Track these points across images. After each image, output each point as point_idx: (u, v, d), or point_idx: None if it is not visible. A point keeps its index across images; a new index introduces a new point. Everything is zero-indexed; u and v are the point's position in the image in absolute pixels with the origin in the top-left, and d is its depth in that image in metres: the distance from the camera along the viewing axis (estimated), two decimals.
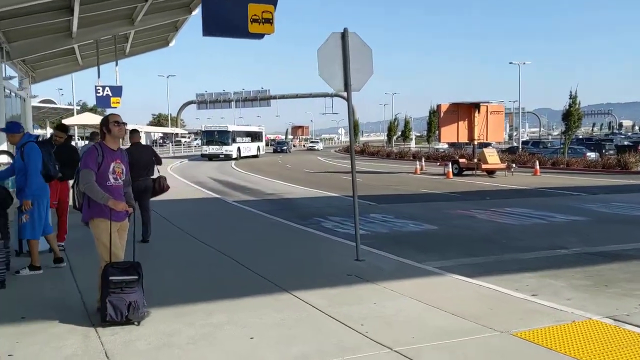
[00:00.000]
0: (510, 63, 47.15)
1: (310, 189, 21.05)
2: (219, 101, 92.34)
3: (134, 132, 9.42)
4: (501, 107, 28.81)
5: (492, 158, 26.91)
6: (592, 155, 38.30)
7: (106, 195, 5.13)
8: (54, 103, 67.98)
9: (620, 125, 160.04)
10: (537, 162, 28.67)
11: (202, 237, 9.96)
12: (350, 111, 8.12)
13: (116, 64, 18.16)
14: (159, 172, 9.90)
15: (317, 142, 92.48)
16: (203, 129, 50.02)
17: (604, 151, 41.88)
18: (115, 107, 18.10)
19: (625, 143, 50.62)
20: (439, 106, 27.88)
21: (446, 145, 68.93)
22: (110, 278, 5.00)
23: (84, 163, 5.25)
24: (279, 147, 71.27)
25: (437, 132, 33.62)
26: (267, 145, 74.15)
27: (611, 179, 25.04)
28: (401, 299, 6.01)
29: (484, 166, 26.64)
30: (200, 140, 53.28)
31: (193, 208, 14.73)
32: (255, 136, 56.10)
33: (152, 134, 78.94)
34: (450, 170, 26.43)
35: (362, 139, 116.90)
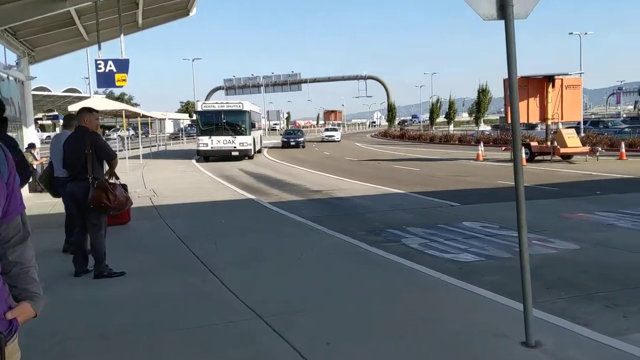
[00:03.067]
0: (570, 34, 42.22)
1: (363, 182, 17.27)
2: (247, 86, 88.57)
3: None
4: (579, 79, 24.48)
5: (572, 140, 22.76)
6: None
7: None
8: (79, 92, 65.43)
9: None
10: (623, 145, 24.28)
11: (242, 292, 6.27)
12: (513, 54, 4.29)
13: (120, 31, 14.56)
14: (112, 177, 6.43)
15: (335, 129, 61.26)
16: (200, 109, 29.69)
17: None
18: (121, 86, 14.54)
19: None
20: (505, 81, 23.55)
21: (489, 128, 64.57)
22: None
23: None
24: (290, 139, 44.50)
25: (495, 112, 29.27)
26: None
27: None
28: None
29: (562, 150, 22.52)
30: (197, 129, 31.75)
31: (222, 214, 11.12)
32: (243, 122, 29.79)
33: (180, 121, 75.85)
34: (524, 156, 22.24)
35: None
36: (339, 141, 53.00)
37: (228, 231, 9.37)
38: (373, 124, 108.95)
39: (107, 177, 6.62)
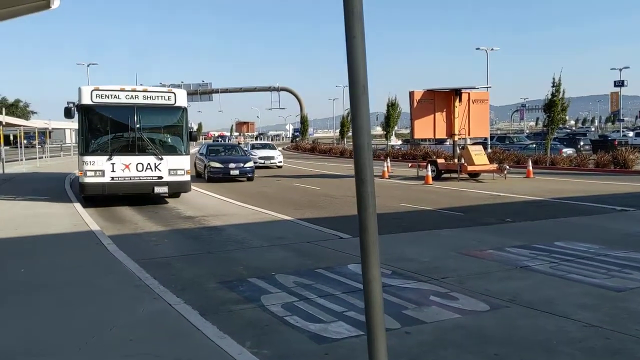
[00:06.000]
0: (477, 49, 42.09)
1: (251, 205, 14.95)
2: None
3: None
4: (486, 94, 23.57)
5: (480, 158, 21.68)
6: (568, 151, 34.11)
7: None
8: None
9: (585, 120, 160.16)
10: (530, 162, 23.54)
11: None
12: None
13: None
14: None
15: (271, 146, 36.81)
16: (88, 101, 14.44)
17: (579, 147, 37.66)
18: None
19: (598, 137, 46.85)
20: (411, 94, 22.29)
21: (400, 142, 64.31)
22: None
23: None
24: (227, 166, 23.17)
25: (408, 126, 28.05)
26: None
27: (618, 181, 20.32)
28: None
29: (470, 168, 21.47)
30: (80, 142, 15.20)
31: (35, 255, 8.37)
32: None
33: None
34: (430, 174, 20.85)
35: (313, 135, 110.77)
36: (280, 167, 31.27)
37: (12, 288, 6.71)
38: (296, 138, 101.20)
39: None
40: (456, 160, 22.52)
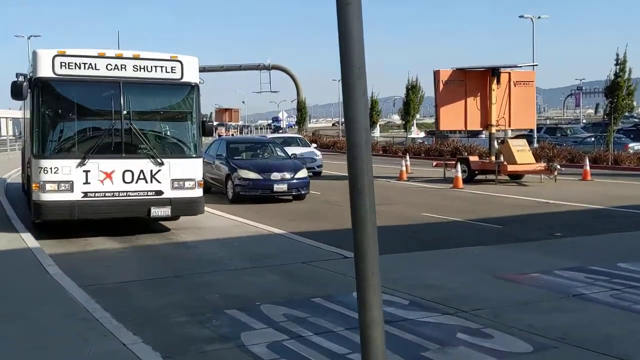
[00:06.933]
0: (520, 17, 42.14)
1: (234, 215, 15.05)
2: None
3: None
4: (532, 73, 23.80)
5: (523, 155, 21.93)
6: (636, 146, 34.40)
7: None
8: None
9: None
10: (587, 160, 23.73)
11: None
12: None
13: None
14: None
15: (298, 140, 32.07)
16: (50, 73, 11.52)
17: None
18: None
19: None
20: (436, 73, 22.34)
21: (422, 135, 64.40)
22: None
23: None
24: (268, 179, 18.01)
25: (432, 114, 28.11)
26: None
27: None
28: None
29: (510, 168, 21.71)
30: (33, 135, 11.85)
31: None
32: None
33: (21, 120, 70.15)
34: (460, 175, 20.92)
35: (311, 125, 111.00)
36: (319, 173, 27.25)
37: None
38: (278, 130, 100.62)
39: None
40: (493, 158, 22.62)
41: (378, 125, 63.72)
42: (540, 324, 6.58)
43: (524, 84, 23.08)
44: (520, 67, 23.67)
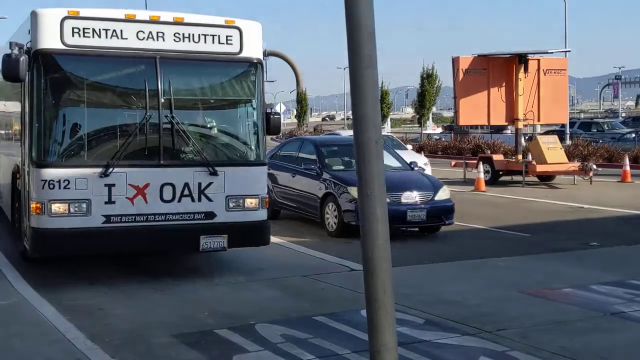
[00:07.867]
0: None
1: None
2: None
3: None
4: (564, 61, 23.92)
5: (554, 154, 22.27)
6: None
7: None
8: None
9: None
10: (627, 160, 24.04)
11: None
12: None
13: None
14: None
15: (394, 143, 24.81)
16: (51, 45, 8.95)
17: None
18: None
19: None
20: (455, 60, 22.53)
21: (439, 130, 64.56)
22: None
23: None
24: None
25: (451, 107, 28.22)
26: None
27: None
28: None
29: (540, 168, 22.01)
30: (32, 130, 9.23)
31: None
32: None
33: None
34: (482, 176, 21.05)
35: (312, 119, 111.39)
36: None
37: None
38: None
39: None
40: (520, 157, 22.83)
41: (389, 120, 63.90)
42: (574, 346, 6.67)
43: (555, 72, 23.33)
44: (551, 53, 23.95)
